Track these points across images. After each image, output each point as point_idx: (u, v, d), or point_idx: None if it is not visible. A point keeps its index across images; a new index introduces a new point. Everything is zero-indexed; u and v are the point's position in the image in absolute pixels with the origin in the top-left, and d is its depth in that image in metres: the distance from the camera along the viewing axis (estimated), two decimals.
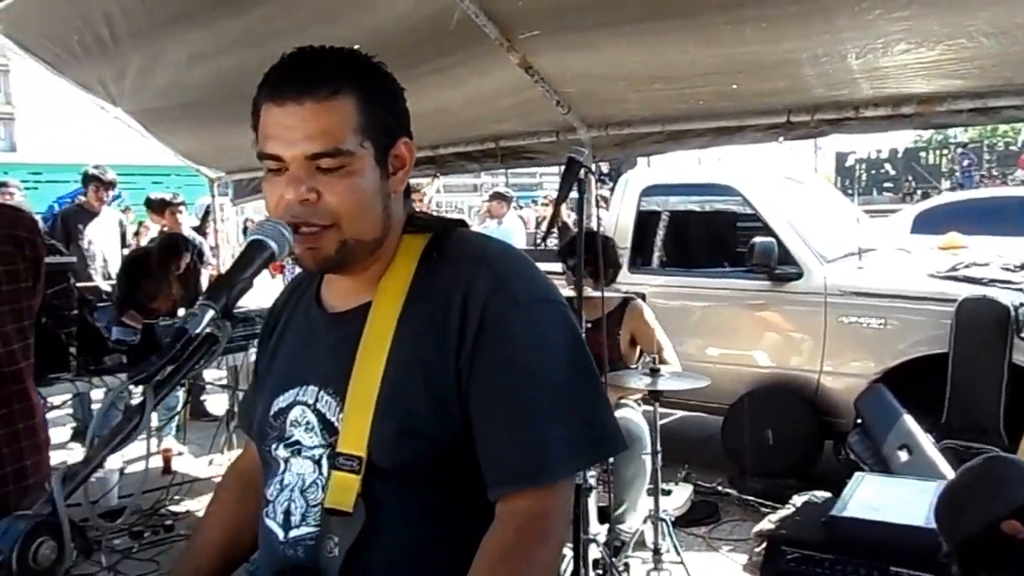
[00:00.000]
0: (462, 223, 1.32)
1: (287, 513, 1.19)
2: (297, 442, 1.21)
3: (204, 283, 7.18)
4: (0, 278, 1.98)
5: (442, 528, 1.14)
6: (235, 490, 1.45)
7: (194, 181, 15.15)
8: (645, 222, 5.40)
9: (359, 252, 1.17)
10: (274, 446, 1.24)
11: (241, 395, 6.21)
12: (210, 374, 6.83)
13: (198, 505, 4.90)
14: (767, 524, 3.64)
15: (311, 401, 1.20)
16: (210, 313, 0.99)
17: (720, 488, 4.63)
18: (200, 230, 7.70)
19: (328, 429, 1.17)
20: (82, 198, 6.71)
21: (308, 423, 1.20)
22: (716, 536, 4.20)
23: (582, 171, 2.81)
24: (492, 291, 1.13)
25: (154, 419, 5.81)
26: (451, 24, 3.92)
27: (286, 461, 1.22)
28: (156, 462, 5.55)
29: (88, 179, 6.46)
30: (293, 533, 1.18)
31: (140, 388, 0.96)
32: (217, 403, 7.01)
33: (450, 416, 1.12)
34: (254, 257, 1.07)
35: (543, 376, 1.11)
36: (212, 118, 5.46)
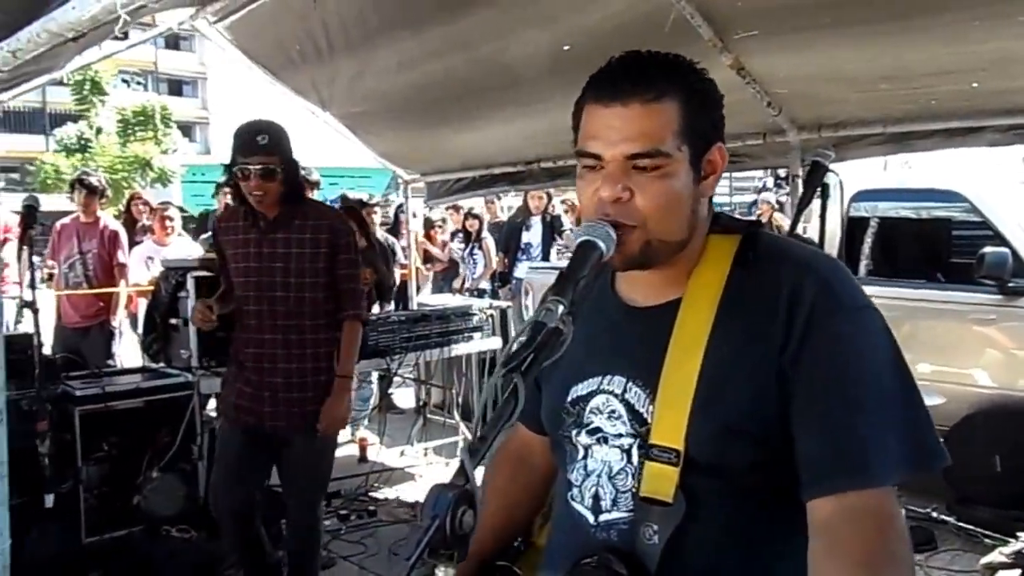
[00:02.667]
0: (759, 224, 1.34)
1: (596, 497, 1.24)
2: (599, 429, 1.26)
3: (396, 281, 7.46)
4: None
5: (755, 523, 1.17)
6: (507, 470, 1.53)
7: (366, 183, 15.99)
8: (853, 229, 5.16)
9: (663, 252, 1.21)
10: (574, 432, 1.29)
11: (431, 389, 6.41)
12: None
13: (395, 493, 5.09)
14: (998, 556, 3.39)
15: (618, 391, 1.25)
16: (561, 308, 1.04)
17: (935, 514, 4.35)
18: (393, 230, 7.98)
19: (637, 420, 1.21)
20: None
21: (613, 412, 1.24)
22: (933, 565, 3.94)
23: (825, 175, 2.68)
24: (818, 294, 1.15)
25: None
26: (666, 25, 3.87)
27: (587, 448, 1.27)
28: (353, 450, 5.82)
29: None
30: (604, 517, 1.23)
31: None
32: (404, 397, 7.26)
33: (770, 416, 1.13)
34: (587, 256, 1.13)
35: (871, 380, 1.11)
36: (414, 121, 5.64)
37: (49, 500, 3.49)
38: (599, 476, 1.24)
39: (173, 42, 39.15)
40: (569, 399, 1.30)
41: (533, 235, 7.98)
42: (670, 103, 1.16)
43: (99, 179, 6.41)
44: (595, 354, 1.29)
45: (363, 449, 5.79)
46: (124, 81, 28.61)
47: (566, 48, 4.18)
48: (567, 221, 8.39)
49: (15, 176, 31.09)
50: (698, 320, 1.20)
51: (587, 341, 1.31)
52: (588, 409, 1.27)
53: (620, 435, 1.23)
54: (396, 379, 6.96)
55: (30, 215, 3.61)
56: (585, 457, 1.27)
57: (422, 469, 5.62)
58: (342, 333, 3.22)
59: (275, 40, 4.87)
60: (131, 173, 26.17)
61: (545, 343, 1.02)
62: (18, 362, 3.56)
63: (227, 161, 3.06)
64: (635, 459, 1.21)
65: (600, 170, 1.17)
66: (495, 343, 5.92)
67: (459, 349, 5.64)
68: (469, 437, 5.41)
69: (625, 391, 1.24)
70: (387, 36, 4.50)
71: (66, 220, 6.22)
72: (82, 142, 27.21)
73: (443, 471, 5.57)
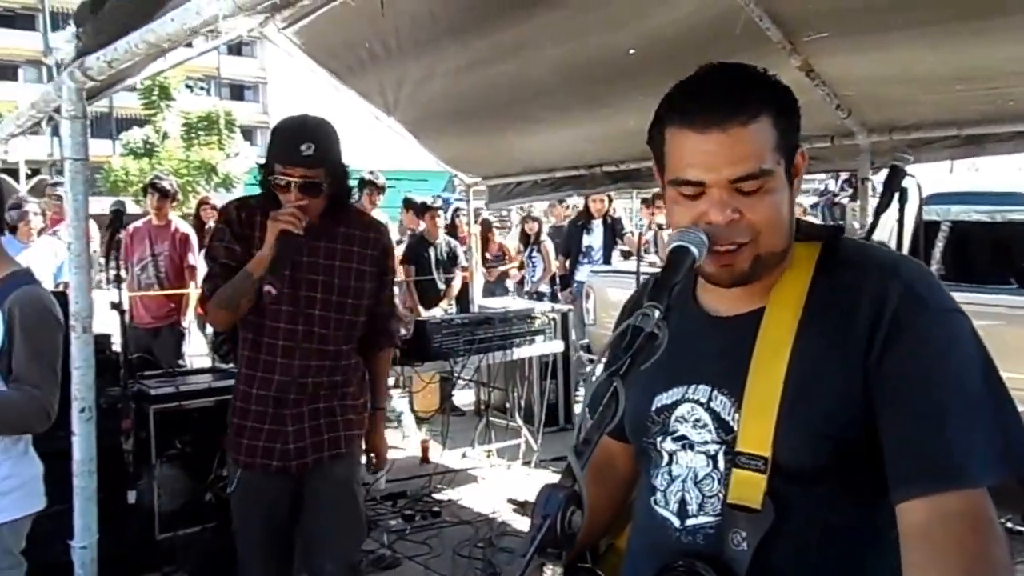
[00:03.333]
0: (841, 230, 1.34)
1: (682, 502, 1.25)
2: (684, 437, 1.27)
3: (457, 284, 7.53)
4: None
5: (844, 528, 1.17)
6: (588, 475, 1.51)
7: (423, 186, 16.11)
8: (924, 233, 5.05)
9: (770, 264, 1.23)
10: (659, 439, 1.31)
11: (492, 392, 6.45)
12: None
13: (458, 495, 5.13)
14: None
15: (703, 399, 1.26)
16: (657, 313, 1.05)
17: (1010, 524, 4.23)
18: (453, 233, 8.03)
19: (723, 428, 1.22)
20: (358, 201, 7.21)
21: (699, 420, 1.26)
22: None
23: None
24: (903, 297, 1.15)
25: (406, 411, 6.15)
26: (736, 28, 3.84)
27: (672, 454, 1.29)
28: (415, 451, 5.88)
29: (363, 184, 6.99)
30: (690, 522, 1.24)
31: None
32: (463, 399, 7.31)
33: (857, 420, 1.14)
34: (681, 262, 1.14)
35: (959, 382, 1.11)
36: (478, 125, 5.66)
37: (131, 496, 3.58)
38: (684, 481, 1.26)
39: (235, 48, 39.97)
40: (654, 408, 1.32)
41: (594, 238, 7.97)
42: (765, 120, 1.17)
43: (171, 183, 6.58)
44: (679, 364, 1.29)
45: (425, 450, 5.85)
46: (188, 86, 29.24)
47: (631, 52, 4.18)
48: (628, 224, 8.35)
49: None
50: (782, 328, 1.21)
51: (670, 351, 1.34)
52: (673, 418, 1.29)
53: (706, 442, 1.24)
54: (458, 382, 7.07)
55: (117, 219, 3.73)
56: (670, 463, 1.29)
57: (484, 471, 5.65)
58: (375, 361, 2.87)
59: (343, 44, 4.93)
60: (195, 177, 26.79)
61: (642, 348, 1.03)
62: (98, 361, 3.68)
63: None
64: (721, 464, 1.22)
65: (700, 197, 1.18)
66: (557, 347, 5.93)
67: (521, 352, 5.66)
68: (530, 440, 5.46)
69: (710, 400, 1.25)
70: (455, 39, 4.52)
71: (138, 223, 6.41)
72: (148, 146, 27.93)
73: (505, 474, 5.60)
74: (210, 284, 2.59)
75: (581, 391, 7.53)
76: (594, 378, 1.05)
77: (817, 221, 8.33)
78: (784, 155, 1.20)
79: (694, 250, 1.14)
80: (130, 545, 3.69)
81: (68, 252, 2.54)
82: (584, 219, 8.12)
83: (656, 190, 7.36)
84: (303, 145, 2.44)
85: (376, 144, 7.15)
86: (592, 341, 7.34)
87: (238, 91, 44.09)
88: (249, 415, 2.63)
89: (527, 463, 5.67)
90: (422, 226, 7.68)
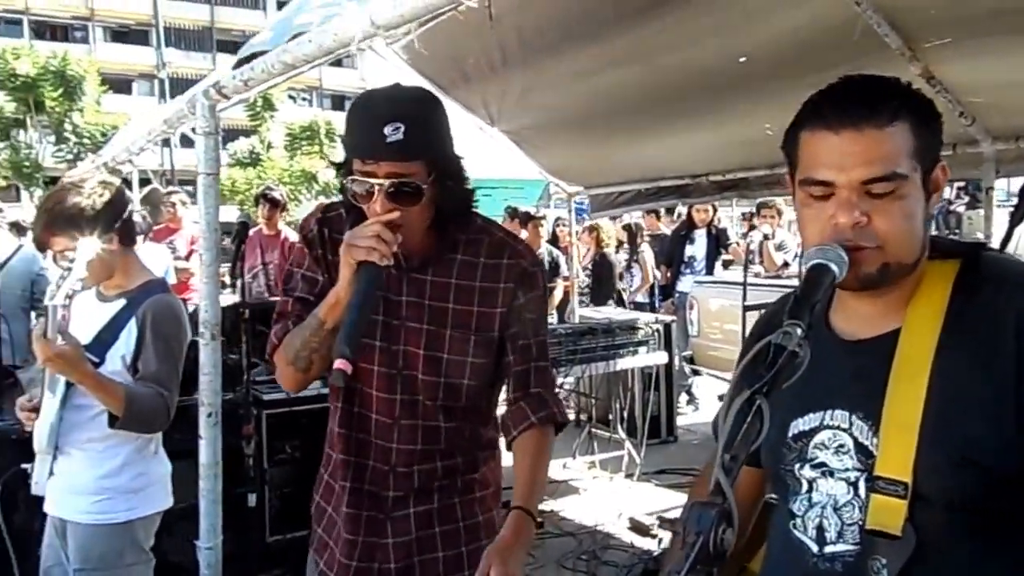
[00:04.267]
0: (984, 245, 1.35)
1: (820, 528, 1.24)
2: (824, 464, 1.25)
3: (559, 294, 7.52)
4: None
5: (988, 555, 1.14)
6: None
7: (519, 195, 16.16)
8: None
9: (898, 274, 1.20)
10: (797, 466, 1.29)
11: (592, 401, 6.42)
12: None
13: (560, 506, 5.11)
14: None
15: (843, 425, 1.24)
16: (799, 331, 1.04)
17: None
18: (554, 243, 8.04)
19: (863, 452, 1.21)
20: None
21: (841, 447, 1.24)
22: None
23: None
24: None
25: None
26: (854, 35, 3.74)
27: (812, 481, 1.27)
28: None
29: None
30: (829, 548, 1.23)
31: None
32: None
33: (1004, 445, 1.11)
34: (821, 280, 1.13)
35: None
36: (583, 134, 5.65)
37: (252, 499, 3.69)
38: (824, 508, 1.24)
39: (336, 60, 41.01)
40: (791, 434, 1.30)
41: (697, 248, 7.84)
42: (902, 125, 1.16)
43: (281, 193, 6.79)
44: (813, 389, 1.27)
45: None
46: (291, 98, 30.22)
47: (742, 60, 4.11)
48: (733, 235, 8.19)
49: (189, 189, 33.44)
50: (920, 349, 1.17)
51: (803, 376, 1.33)
52: (812, 444, 1.27)
53: (847, 469, 1.22)
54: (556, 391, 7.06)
55: (244, 230, 3.87)
56: (809, 490, 1.27)
57: (586, 483, 5.63)
58: (521, 443, 1.83)
59: (449, 56, 4.97)
60: (298, 186, 27.61)
61: (785, 366, 1.02)
62: None
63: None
64: (862, 492, 1.20)
65: (829, 198, 1.18)
66: (660, 358, 5.86)
67: (624, 363, 5.62)
68: (632, 452, 5.40)
69: (850, 425, 1.23)
70: (562, 50, 4.50)
71: (250, 232, 6.61)
72: (253, 156, 28.94)
73: (607, 486, 5.56)
74: (280, 326, 1.83)
75: (682, 402, 7.43)
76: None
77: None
78: (921, 164, 1.18)
79: (834, 268, 1.13)
80: (247, 546, 3.80)
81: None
82: (687, 229, 8.02)
83: (761, 200, 7.22)
84: (388, 127, 1.59)
85: (474, 152, 7.23)
86: (695, 353, 7.23)
87: (339, 101, 45.16)
88: (336, 521, 1.89)
89: (630, 475, 5.62)
90: (524, 235, 7.70)
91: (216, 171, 2.54)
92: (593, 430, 6.06)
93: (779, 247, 7.57)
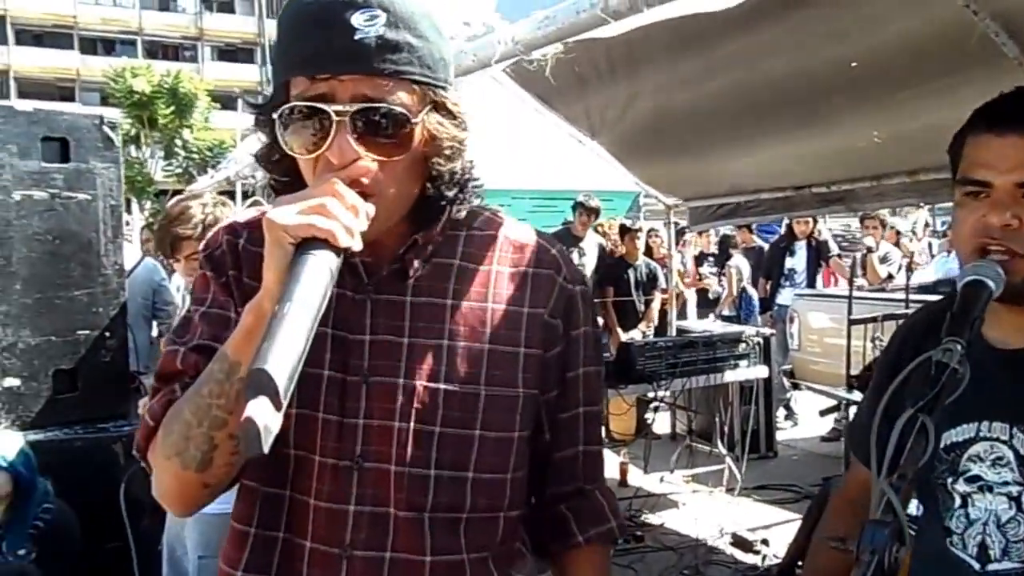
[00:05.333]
0: None
1: (982, 546, 1.23)
2: (979, 477, 1.25)
3: (656, 306, 7.48)
4: None
5: None
6: (848, 513, 1.51)
7: (608, 207, 15.95)
8: None
9: None
10: (949, 479, 1.28)
11: (693, 415, 6.35)
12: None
13: (659, 520, 5.07)
14: None
15: (1003, 437, 1.23)
16: (959, 348, 1.03)
17: None
18: (650, 255, 7.98)
19: None
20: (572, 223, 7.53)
21: (1000, 459, 1.23)
22: None
23: None
24: None
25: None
26: (970, 41, 3.63)
27: (967, 496, 1.26)
28: (613, 473, 5.87)
29: (577, 206, 7.28)
30: (992, 567, 1.22)
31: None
32: (660, 422, 7.23)
33: None
34: (979, 296, 1.11)
35: None
36: (681, 145, 5.60)
37: None
38: (985, 524, 1.23)
39: None
40: (942, 445, 1.29)
41: (797, 260, 7.68)
42: None
43: None
44: (964, 400, 1.24)
45: (623, 473, 5.83)
46: None
47: (853, 65, 4.03)
48: (834, 247, 7.99)
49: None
50: None
51: None
52: (966, 456, 1.26)
53: (1006, 483, 1.21)
54: (655, 405, 7.01)
55: None
56: (965, 505, 1.26)
57: (685, 497, 5.57)
58: (565, 566, 1.24)
59: (554, 71, 5.02)
60: None
61: (948, 384, 1.01)
62: None
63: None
64: None
65: (984, 198, 1.19)
66: (761, 372, 5.77)
67: (724, 377, 5.55)
68: (732, 467, 5.32)
69: (1011, 436, 1.21)
70: (666, 58, 4.45)
71: None
72: None
73: (707, 500, 5.49)
74: (161, 398, 1.08)
75: (780, 417, 7.28)
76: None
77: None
78: None
79: (990, 284, 1.12)
80: None
81: None
82: (787, 240, 7.87)
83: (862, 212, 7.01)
84: (358, 15, 0.96)
85: (561, 164, 7.28)
86: (795, 366, 7.09)
87: None
88: None
89: (730, 490, 5.54)
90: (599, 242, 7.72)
91: None
92: (692, 444, 6.01)
93: (883, 259, 7.37)
